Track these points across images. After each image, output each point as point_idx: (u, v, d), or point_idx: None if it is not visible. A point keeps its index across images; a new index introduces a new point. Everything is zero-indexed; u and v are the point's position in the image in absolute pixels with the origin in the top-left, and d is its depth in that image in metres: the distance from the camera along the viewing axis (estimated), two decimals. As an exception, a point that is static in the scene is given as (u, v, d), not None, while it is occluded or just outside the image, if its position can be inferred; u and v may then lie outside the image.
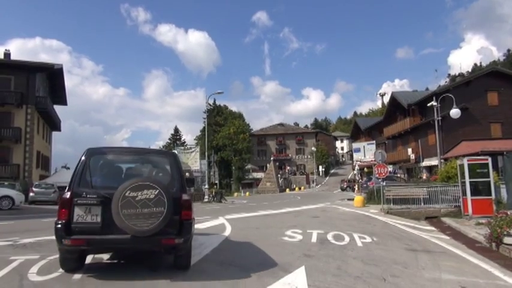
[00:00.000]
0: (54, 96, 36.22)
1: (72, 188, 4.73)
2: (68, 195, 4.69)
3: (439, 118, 22.94)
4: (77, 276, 4.66)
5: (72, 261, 4.91)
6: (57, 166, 46.53)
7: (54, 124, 36.72)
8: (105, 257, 5.72)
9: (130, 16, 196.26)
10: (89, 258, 5.54)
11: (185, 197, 5.03)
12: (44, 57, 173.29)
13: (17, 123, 27.97)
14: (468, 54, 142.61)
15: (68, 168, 41.83)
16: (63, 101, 38.80)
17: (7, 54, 30.68)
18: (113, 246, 4.98)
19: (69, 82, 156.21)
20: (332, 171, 79.99)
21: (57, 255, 5.57)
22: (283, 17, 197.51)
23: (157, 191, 4.66)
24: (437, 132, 22.84)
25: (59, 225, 4.55)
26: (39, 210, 16.88)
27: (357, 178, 37.01)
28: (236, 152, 64.85)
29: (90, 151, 5.15)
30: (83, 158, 5.02)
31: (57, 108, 37.45)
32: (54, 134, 40.36)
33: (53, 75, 32.58)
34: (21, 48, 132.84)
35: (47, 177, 31.71)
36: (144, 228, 4.54)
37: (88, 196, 4.69)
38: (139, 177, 5.10)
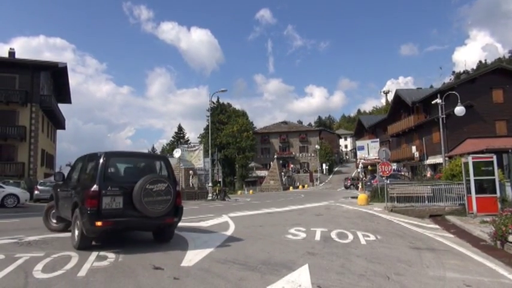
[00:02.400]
0: (59, 95, 36.41)
1: (99, 183, 6.11)
2: (96, 188, 6.05)
3: (444, 116, 22.79)
4: (82, 273, 4.69)
5: (89, 241, 6.32)
6: (62, 164, 46.88)
7: (58, 122, 36.90)
8: (109, 255, 5.75)
9: (133, 14, 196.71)
10: (93, 256, 5.57)
11: (178, 188, 6.93)
12: (48, 56, 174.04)
13: (22, 121, 28.15)
14: (473, 51, 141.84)
15: (73, 166, 42.07)
16: (67, 99, 39.00)
17: (12, 53, 30.84)
18: (131, 225, 6.64)
19: (73, 80, 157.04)
20: (336, 169, 79.85)
21: (62, 253, 5.69)
22: (287, 14, 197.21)
23: (167, 184, 6.59)
24: (441, 129, 22.71)
25: (91, 212, 5.94)
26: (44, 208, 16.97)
27: (361, 176, 37.02)
28: (240, 150, 64.90)
29: (107, 154, 6.57)
30: (102, 159, 6.37)
31: (62, 107, 37.66)
32: (59, 132, 40.60)
33: (57, 74, 32.74)
34: (26, 47, 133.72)
35: (51, 175, 31.88)
36: (157, 211, 6.41)
37: (112, 189, 6.21)
38: (146, 174, 6.57)
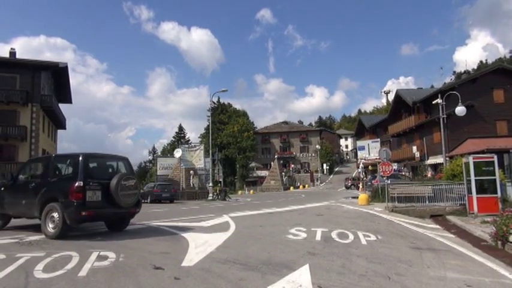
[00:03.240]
0: (59, 95, 36.41)
1: (83, 179, 7.27)
2: (81, 183, 7.21)
3: (444, 116, 22.78)
4: (82, 273, 4.68)
5: (69, 230, 7.43)
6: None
7: (59, 122, 36.92)
8: (110, 255, 5.75)
9: (133, 14, 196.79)
10: (93, 256, 5.57)
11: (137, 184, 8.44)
12: (49, 56, 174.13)
13: (23, 121, 28.18)
14: (474, 51, 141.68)
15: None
16: (68, 99, 39.00)
17: (12, 53, 30.88)
18: (107, 215, 8.10)
19: (73, 80, 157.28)
20: (336, 169, 79.81)
21: (63, 253, 5.69)
22: (288, 14, 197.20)
23: (135, 180, 8.23)
24: (442, 129, 22.69)
25: (78, 203, 7.12)
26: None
27: (362, 176, 36.93)
28: (240, 150, 64.91)
29: (86, 155, 7.80)
30: (81, 159, 7.55)
31: (62, 107, 37.67)
32: (59, 132, 40.63)
33: (57, 74, 32.76)
34: (26, 47, 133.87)
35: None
36: (128, 203, 7.96)
37: (93, 184, 7.43)
38: (114, 172, 8.12)
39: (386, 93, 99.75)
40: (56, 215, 7.31)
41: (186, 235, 7.96)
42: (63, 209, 7.16)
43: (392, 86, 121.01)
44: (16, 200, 8.46)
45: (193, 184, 33.47)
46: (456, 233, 9.66)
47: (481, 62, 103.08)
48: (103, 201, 7.53)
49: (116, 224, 8.73)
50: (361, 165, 40.00)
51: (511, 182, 13.60)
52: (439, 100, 22.19)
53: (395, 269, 5.41)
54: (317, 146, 69.36)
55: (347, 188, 44.08)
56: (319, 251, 6.61)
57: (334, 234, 8.43)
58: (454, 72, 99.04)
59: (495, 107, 30.97)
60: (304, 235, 8.34)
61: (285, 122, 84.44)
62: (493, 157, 12.12)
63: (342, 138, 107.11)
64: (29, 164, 9.58)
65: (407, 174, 33.92)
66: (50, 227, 7.41)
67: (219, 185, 38.45)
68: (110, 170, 8.31)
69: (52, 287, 4.16)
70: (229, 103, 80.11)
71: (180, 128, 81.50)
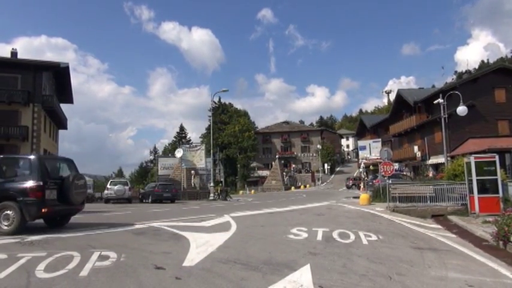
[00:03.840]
0: (61, 95, 36.43)
1: (42, 179, 7.99)
2: (41, 182, 7.93)
3: (446, 115, 22.78)
4: (84, 273, 4.69)
5: (24, 227, 8.03)
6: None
7: (60, 122, 36.95)
8: (111, 255, 5.76)
9: (133, 14, 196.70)
10: (95, 256, 5.58)
11: None
12: (50, 56, 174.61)
13: (24, 121, 28.18)
14: (475, 51, 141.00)
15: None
16: (69, 99, 39.01)
17: (14, 53, 30.90)
18: (61, 212, 8.82)
19: (75, 80, 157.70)
20: (337, 169, 79.74)
21: (64, 253, 5.71)
22: (289, 14, 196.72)
23: (84, 180, 9.18)
24: (443, 129, 22.68)
25: (38, 201, 7.84)
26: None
27: (363, 176, 36.95)
28: (241, 150, 64.88)
29: (40, 157, 8.79)
30: (36, 160, 8.30)
31: (64, 107, 37.68)
32: (61, 132, 40.63)
33: (59, 74, 32.78)
34: (27, 47, 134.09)
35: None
36: (79, 200, 8.90)
37: (51, 183, 8.17)
38: (63, 173, 8.93)
39: (388, 93, 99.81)
40: (10, 212, 7.85)
41: (187, 235, 7.97)
42: (24, 207, 7.80)
43: (394, 85, 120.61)
44: None
45: (194, 184, 33.50)
46: (457, 233, 9.65)
47: (482, 61, 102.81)
48: (58, 198, 8.31)
49: (56, 221, 9.30)
50: (362, 165, 40.02)
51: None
52: (440, 100, 22.19)
53: (397, 269, 5.40)
54: (318, 146, 69.32)
55: (348, 188, 44.04)
56: (320, 251, 6.61)
57: (335, 234, 8.42)
58: (456, 71, 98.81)
59: (496, 106, 30.91)
60: (305, 235, 8.34)
61: (286, 122, 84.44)
62: (494, 157, 12.11)
63: (343, 138, 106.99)
64: None
65: (408, 174, 33.89)
66: (4, 224, 7.86)
67: (220, 185, 38.48)
68: (59, 171, 9.09)
69: (53, 286, 4.17)
70: (230, 103, 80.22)
71: (181, 128, 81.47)
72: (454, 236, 9.22)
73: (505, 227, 7.34)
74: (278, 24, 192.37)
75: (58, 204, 8.33)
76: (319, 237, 8.10)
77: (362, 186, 28.44)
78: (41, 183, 7.92)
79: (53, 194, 8.17)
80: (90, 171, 74.77)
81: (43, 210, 7.88)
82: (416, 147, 37.06)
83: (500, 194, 11.71)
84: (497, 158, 12.02)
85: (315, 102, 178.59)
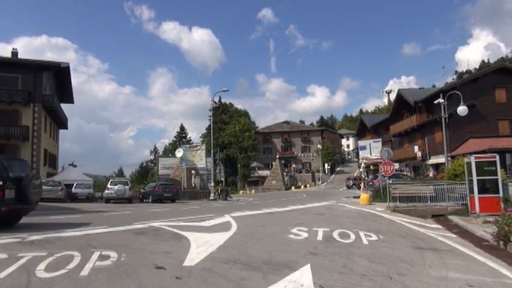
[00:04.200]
0: (61, 95, 36.46)
1: (2, 178, 8.11)
2: (0, 182, 8.03)
3: (446, 115, 22.76)
4: (84, 273, 4.69)
5: None
6: (64, 164, 46.81)
7: (61, 122, 36.98)
8: (111, 254, 5.76)
9: (134, 14, 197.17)
10: (95, 256, 5.58)
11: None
12: (50, 56, 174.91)
13: (25, 121, 28.20)
14: (476, 51, 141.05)
15: (75, 166, 42.15)
16: (69, 99, 39.05)
17: (14, 53, 30.91)
18: (19, 210, 8.98)
19: (75, 80, 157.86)
20: (338, 169, 79.65)
21: (65, 252, 5.71)
22: (289, 14, 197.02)
23: (41, 180, 9.53)
24: (444, 129, 22.67)
25: None
26: (47, 208, 17.01)
27: (363, 176, 36.93)
28: (241, 149, 64.85)
29: (1, 158, 8.78)
30: None
31: (64, 106, 37.72)
32: (61, 131, 40.68)
33: (59, 74, 32.79)
34: (28, 47, 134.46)
35: (54, 175, 31.93)
36: (35, 199, 9.21)
37: (10, 183, 8.31)
38: (21, 173, 8.98)
39: (388, 92, 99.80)
40: None
41: (187, 235, 7.96)
42: None
43: (394, 85, 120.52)
44: None
45: (194, 184, 33.51)
46: (458, 233, 9.65)
47: (482, 61, 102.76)
48: (16, 198, 8.48)
49: (8, 221, 9.10)
50: (362, 165, 40.03)
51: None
52: (440, 100, 22.17)
53: (397, 268, 5.40)
54: (318, 146, 69.27)
55: (348, 187, 44.03)
56: (320, 250, 6.60)
57: (335, 234, 8.42)
58: (456, 71, 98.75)
59: (497, 106, 30.89)
60: (305, 235, 8.34)
61: (287, 122, 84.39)
62: (495, 157, 12.10)
63: (343, 138, 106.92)
64: None
65: (408, 174, 33.88)
66: None
67: (221, 184, 38.50)
68: (16, 171, 9.11)
69: (54, 286, 4.17)
70: (230, 103, 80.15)
71: (182, 128, 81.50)
72: (454, 236, 9.22)
73: (505, 227, 7.33)
74: (278, 24, 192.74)
75: (16, 204, 8.49)
76: (320, 237, 8.10)
77: (362, 186, 28.45)
78: (1, 182, 8.05)
79: (12, 193, 8.33)
80: (90, 171, 74.90)
81: (3, 209, 7.99)
82: (416, 147, 37.05)
83: (501, 194, 11.71)
84: (497, 158, 12.01)
85: (315, 102, 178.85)
